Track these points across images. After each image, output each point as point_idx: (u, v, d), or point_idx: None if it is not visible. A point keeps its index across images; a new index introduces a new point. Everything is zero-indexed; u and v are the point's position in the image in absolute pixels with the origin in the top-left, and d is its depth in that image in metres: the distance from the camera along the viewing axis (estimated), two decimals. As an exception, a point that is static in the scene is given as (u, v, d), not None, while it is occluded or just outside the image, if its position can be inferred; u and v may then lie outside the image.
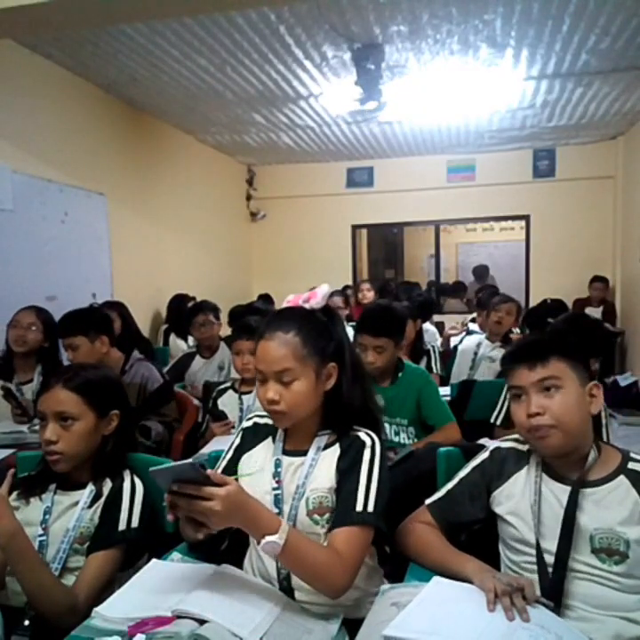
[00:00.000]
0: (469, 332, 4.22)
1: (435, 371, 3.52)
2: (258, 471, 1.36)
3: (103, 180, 4.59)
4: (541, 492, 1.29)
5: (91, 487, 1.50)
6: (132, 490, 1.51)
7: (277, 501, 1.32)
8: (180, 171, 5.91)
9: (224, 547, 1.46)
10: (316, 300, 1.36)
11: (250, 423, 1.50)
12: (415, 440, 2.35)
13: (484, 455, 1.42)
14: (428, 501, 1.43)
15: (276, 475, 1.35)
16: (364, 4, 3.40)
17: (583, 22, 3.68)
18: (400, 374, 2.41)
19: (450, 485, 1.42)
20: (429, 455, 1.86)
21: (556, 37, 3.88)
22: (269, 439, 1.43)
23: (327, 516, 1.30)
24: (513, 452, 1.39)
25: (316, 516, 1.30)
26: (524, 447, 1.38)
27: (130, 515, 1.47)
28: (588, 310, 6.22)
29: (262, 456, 1.41)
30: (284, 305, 1.40)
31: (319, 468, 1.33)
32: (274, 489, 1.34)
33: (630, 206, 6.33)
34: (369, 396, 1.41)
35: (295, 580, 1.28)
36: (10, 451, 2.20)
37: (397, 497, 1.41)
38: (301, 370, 1.29)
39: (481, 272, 8.44)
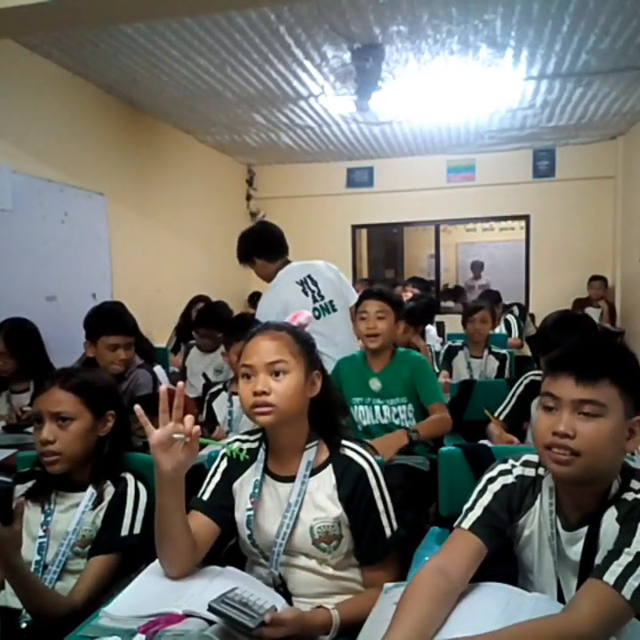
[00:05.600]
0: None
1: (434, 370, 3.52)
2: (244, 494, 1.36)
3: (103, 180, 4.59)
4: (559, 551, 1.17)
5: (91, 490, 1.49)
6: (136, 495, 1.50)
7: (248, 522, 1.31)
8: (180, 171, 5.90)
9: (227, 547, 1.46)
10: (300, 319, 1.42)
11: (234, 447, 1.35)
12: (414, 420, 2.40)
13: (510, 479, 1.24)
14: (465, 525, 1.19)
15: (253, 495, 1.33)
16: (364, 4, 3.40)
17: (583, 22, 3.68)
18: (394, 357, 2.49)
19: (485, 501, 1.22)
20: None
21: (555, 37, 3.88)
22: (255, 463, 1.38)
23: (334, 542, 1.30)
24: (520, 481, 1.24)
25: (323, 545, 1.30)
26: (531, 471, 1.24)
27: (133, 520, 1.46)
28: (588, 310, 6.23)
29: (252, 481, 1.37)
30: None
31: (318, 497, 1.31)
32: (248, 510, 1.32)
33: (630, 206, 6.33)
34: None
35: (291, 587, 1.30)
36: (10, 451, 2.19)
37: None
38: (294, 364, 1.29)
39: (478, 266, 9.31)
